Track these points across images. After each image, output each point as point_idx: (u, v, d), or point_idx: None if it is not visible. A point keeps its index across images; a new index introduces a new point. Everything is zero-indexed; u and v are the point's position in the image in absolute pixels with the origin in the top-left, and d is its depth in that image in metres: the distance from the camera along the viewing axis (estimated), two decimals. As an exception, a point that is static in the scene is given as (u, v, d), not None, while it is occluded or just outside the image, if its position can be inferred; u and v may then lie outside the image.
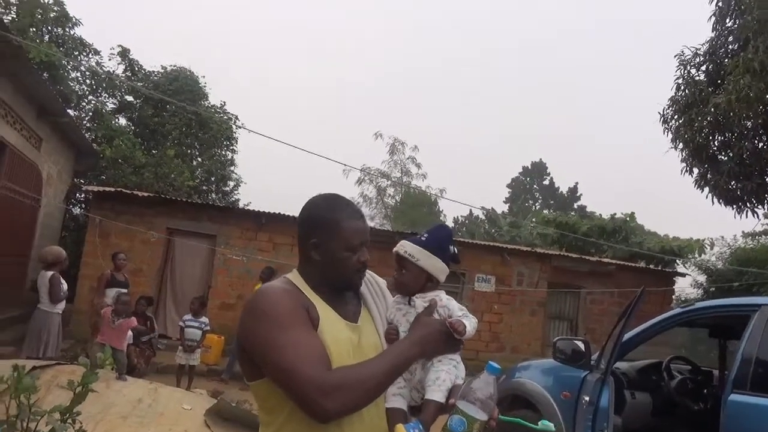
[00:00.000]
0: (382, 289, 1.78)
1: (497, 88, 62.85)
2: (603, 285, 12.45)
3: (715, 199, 9.58)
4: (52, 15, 15.84)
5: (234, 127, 18.36)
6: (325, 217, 1.58)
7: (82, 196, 14.31)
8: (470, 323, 1.56)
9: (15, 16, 14.96)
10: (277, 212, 11.38)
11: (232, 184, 19.01)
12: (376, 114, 52.07)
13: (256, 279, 9.83)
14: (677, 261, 14.25)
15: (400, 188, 28.42)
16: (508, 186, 44.43)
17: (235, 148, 19.07)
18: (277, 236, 11.42)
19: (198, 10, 67.15)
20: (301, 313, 1.46)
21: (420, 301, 1.62)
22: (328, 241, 1.57)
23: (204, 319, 8.21)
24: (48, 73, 13.85)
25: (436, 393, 1.49)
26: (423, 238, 1.63)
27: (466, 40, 66.32)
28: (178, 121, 17.06)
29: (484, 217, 34.73)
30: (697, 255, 14.58)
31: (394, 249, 1.65)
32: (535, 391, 4.39)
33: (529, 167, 44.81)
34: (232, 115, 18.93)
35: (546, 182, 44.15)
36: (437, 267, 1.62)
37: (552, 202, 42.30)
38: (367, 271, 1.76)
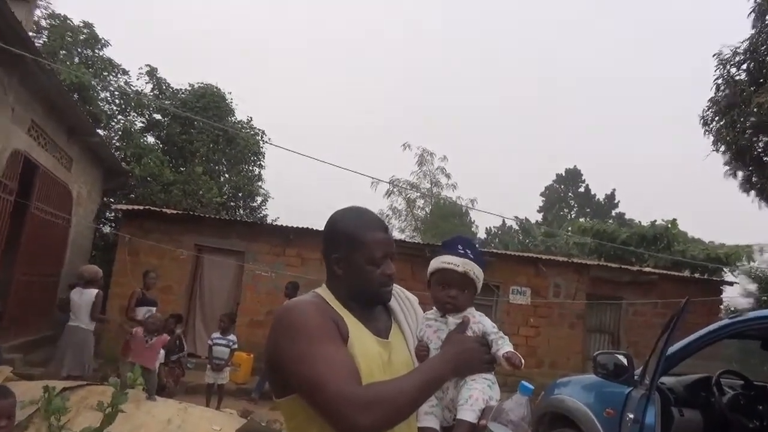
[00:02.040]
0: (413, 304, 1.79)
1: (529, 95, 62.58)
2: (645, 296, 12.26)
3: (762, 203, 9.25)
4: (81, 37, 16.41)
5: (261, 142, 18.65)
6: (346, 231, 1.59)
7: (112, 214, 14.63)
8: (512, 345, 1.58)
9: (46, 39, 15.53)
10: (305, 227, 11.46)
11: (259, 199, 19.27)
12: (406, 126, 52.17)
13: (282, 293, 9.95)
14: (724, 269, 13.89)
15: (430, 199, 28.27)
16: (542, 195, 43.99)
17: (262, 163, 19.35)
18: (305, 251, 11.51)
19: (225, 24, 68.53)
20: (330, 326, 1.47)
21: (453, 318, 1.63)
22: (350, 255, 1.58)
23: (232, 336, 8.24)
24: (78, 94, 14.29)
25: (468, 413, 1.48)
26: (470, 255, 1.66)
27: (496, 49, 66.31)
28: (206, 138, 17.38)
29: (517, 227, 34.38)
30: (745, 262, 14.19)
31: (460, 269, 1.64)
32: (576, 409, 4.30)
33: (564, 175, 44.28)
34: (259, 130, 19.23)
35: (581, 189, 43.53)
36: (481, 284, 1.70)
37: (588, 210, 41.66)
38: (398, 286, 1.77)
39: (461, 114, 57.09)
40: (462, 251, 1.67)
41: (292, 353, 1.41)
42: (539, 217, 40.92)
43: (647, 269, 13.19)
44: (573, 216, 40.81)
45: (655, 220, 17.34)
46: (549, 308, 12.29)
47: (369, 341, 1.56)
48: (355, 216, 1.63)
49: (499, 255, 12.39)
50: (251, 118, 19.58)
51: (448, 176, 28.18)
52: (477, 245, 1.77)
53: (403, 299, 1.78)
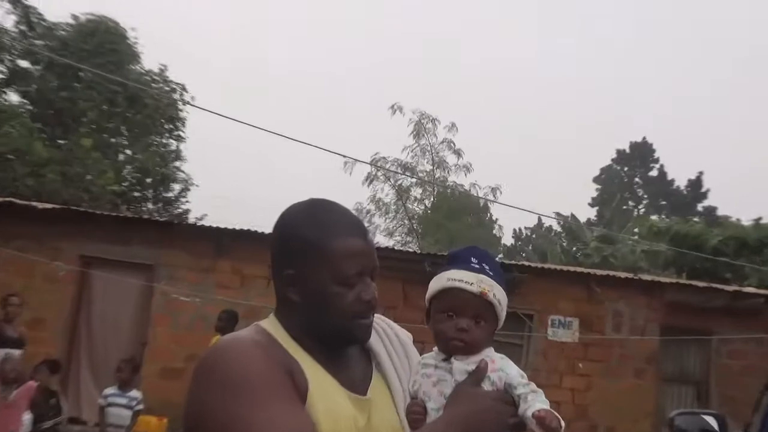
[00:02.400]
0: (405, 345, 1.85)
1: (576, 42, 63.17)
2: (746, 328, 12.28)
3: None
4: None
5: (180, 103, 18.57)
6: (303, 236, 1.64)
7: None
8: (547, 404, 1.60)
9: None
10: (245, 229, 11.63)
11: (177, 187, 19.24)
12: (400, 80, 52.42)
13: (212, 328, 9.88)
14: None
15: (431, 188, 28.30)
16: (596, 181, 44.49)
17: (181, 133, 19.31)
18: (246, 265, 11.56)
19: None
20: (280, 378, 1.51)
21: (461, 363, 1.66)
22: (310, 272, 1.63)
23: (135, 393, 8.18)
24: None
25: None
26: (488, 270, 1.72)
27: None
28: (97, 96, 17.29)
29: (559, 229, 34.49)
30: None
31: (474, 288, 1.67)
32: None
33: (627, 151, 44.67)
34: (177, 85, 19.22)
35: (653, 173, 43.96)
36: (505, 312, 1.74)
37: (664, 202, 42.08)
38: (381, 317, 1.84)
39: (478, 67, 57.39)
40: (477, 265, 1.71)
41: (222, 419, 1.43)
42: (592, 213, 41.51)
43: (749, 290, 13.29)
44: (641, 212, 41.15)
45: (760, 219, 17.49)
46: (606, 348, 12.41)
47: (338, 399, 1.60)
48: (318, 214, 1.68)
49: (532, 270, 12.41)
50: (165, 67, 19.49)
51: (458, 153, 28.19)
52: (498, 259, 1.80)
53: (389, 337, 1.83)
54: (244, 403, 1.44)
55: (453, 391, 1.62)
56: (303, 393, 1.53)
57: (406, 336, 1.87)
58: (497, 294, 1.68)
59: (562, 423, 1.54)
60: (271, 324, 1.67)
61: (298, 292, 1.64)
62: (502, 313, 1.71)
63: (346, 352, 1.70)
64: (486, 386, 1.61)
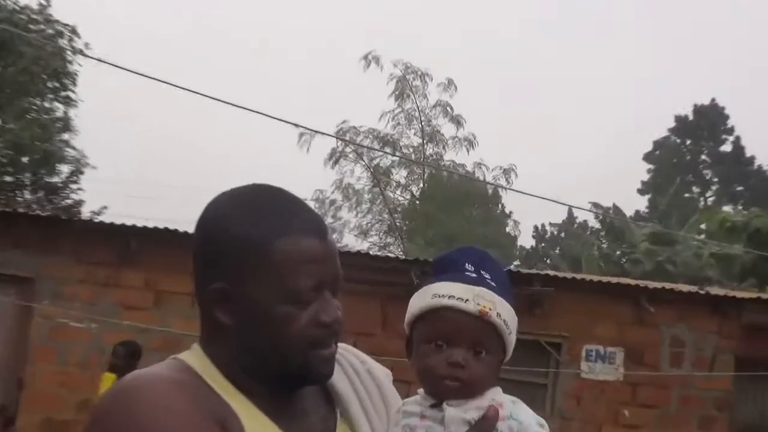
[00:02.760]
0: (380, 386, 1.89)
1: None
2: None
3: None
4: None
5: (69, 52, 18.43)
6: (238, 235, 1.65)
7: None
8: None
9: None
10: (162, 228, 11.84)
11: (65, 170, 19.16)
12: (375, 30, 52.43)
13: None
14: None
15: (421, 169, 28.36)
16: (648, 158, 44.85)
17: (71, 95, 19.14)
18: (163, 278, 11.70)
19: None
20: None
21: (456, 411, 1.68)
22: (248, 285, 1.64)
23: (8, 455, 8.17)
24: None
25: None
26: (489, 281, 1.75)
27: None
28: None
29: (598, 226, 35.01)
30: None
31: (471, 306, 1.69)
32: None
33: (690, 118, 44.76)
34: (65, 27, 19.29)
35: (726, 148, 44.03)
36: (514, 338, 1.77)
37: (740, 188, 42.17)
38: (349, 348, 1.91)
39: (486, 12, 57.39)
40: (473, 274, 1.75)
41: None
42: (642, 203, 41.99)
43: None
44: (709, 201, 41.28)
45: None
46: (661, 389, 12.48)
47: None
48: (258, 205, 1.69)
49: (560, 282, 12.52)
50: (47, 2, 19.44)
51: (456, 122, 28.67)
52: (500, 264, 1.85)
53: (360, 374, 1.86)
54: None
55: None
56: None
57: (384, 374, 1.90)
58: (503, 313, 1.70)
59: None
60: (195, 357, 1.68)
61: (231, 314, 1.65)
62: (511, 339, 1.73)
63: (299, 395, 1.73)
64: None
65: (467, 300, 1.68)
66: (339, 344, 1.77)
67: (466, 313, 1.68)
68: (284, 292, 1.62)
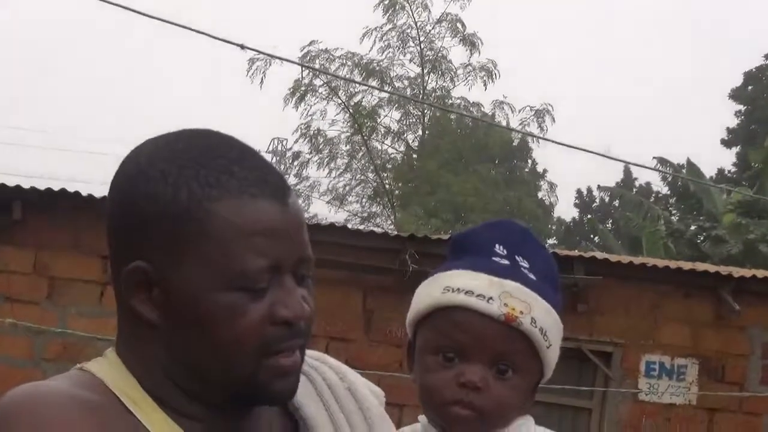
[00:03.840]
0: (364, 408, 1.67)
1: None
2: None
3: None
4: None
5: None
6: (166, 198, 1.43)
7: None
8: None
9: None
10: (59, 189, 10.79)
11: None
12: None
13: None
14: None
15: (420, 110, 26.52)
16: (736, 97, 40.87)
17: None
18: (60, 259, 10.68)
19: None
20: None
21: None
22: (178, 266, 1.43)
23: None
24: None
25: None
26: (525, 271, 1.70)
27: None
28: None
29: (665, 190, 33.58)
30: None
31: (495, 308, 1.64)
32: None
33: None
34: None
35: None
36: (557, 354, 1.76)
37: None
38: (323, 357, 1.72)
39: None
40: (504, 260, 1.70)
41: None
42: (727, 159, 38.52)
43: None
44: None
45: None
46: (750, 415, 11.14)
47: None
48: (192, 157, 1.44)
49: (612, 268, 11.22)
50: None
51: (470, 43, 27.50)
52: (546, 248, 1.87)
53: (337, 394, 1.65)
54: None
55: None
56: None
57: (372, 394, 1.67)
58: (540, 319, 1.66)
59: None
60: (108, 367, 1.48)
61: (154, 305, 1.43)
62: (551, 355, 1.70)
63: (250, 418, 1.54)
64: None
65: (491, 298, 1.63)
66: (311, 352, 1.63)
67: (487, 317, 1.62)
68: (228, 274, 1.40)
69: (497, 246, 1.67)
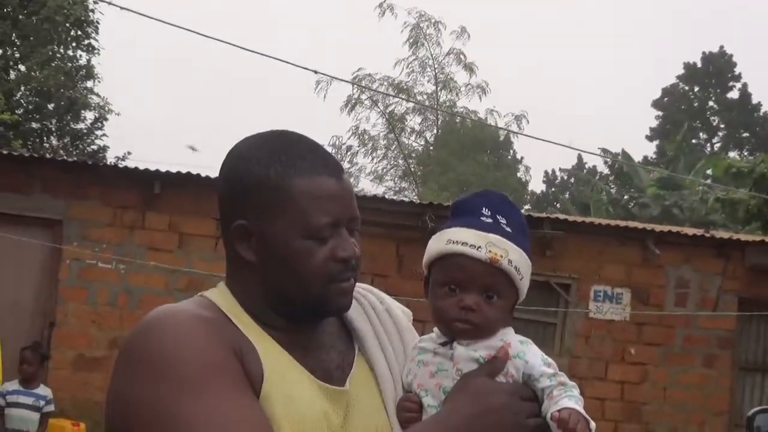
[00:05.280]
0: (398, 324, 1.86)
1: None
2: None
3: None
4: None
5: (91, 0, 18.33)
6: (259, 173, 1.67)
7: None
8: (580, 400, 1.62)
9: None
10: (185, 172, 11.83)
11: (90, 116, 19.28)
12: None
13: (142, 303, 10.30)
14: None
15: (435, 116, 28.36)
16: (657, 105, 44.47)
17: (94, 42, 19.03)
18: (186, 220, 11.81)
19: None
20: (226, 361, 1.54)
21: (465, 350, 1.70)
22: (268, 222, 1.66)
23: (44, 390, 8.29)
24: None
25: None
26: (504, 226, 1.74)
27: None
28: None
29: (607, 171, 35.17)
30: None
31: (483, 253, 1.69)
32: None
33: (699, 65, 44.48)
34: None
35: (733, 95, 43.77)
36: (528, 283, 1.76)
37: (746, 134, 41.98)
38: (370, 288, 1.90)
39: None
40: (488, 219, 1.74)
41: (146, 413, 1.48)
42: (650, 149, 41.96)
43: None
44: (716, 147, 41.14)
45: None
46: (667, 328, 12.69)
47: (304, 389, 1.63)
48: (278, 146, 1.71)
49: (570, 225, 12.62)
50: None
51: (469, 69, 28.36)
52: (518, 209, 1.85)
53: (378, 313, 1.85)
54: (173, 392, 1.47)
55: (457, 383, 1.66)
56: (256, 381, 1.56)
57: (403, 313, 1.88)
58: (515, 260, 1.69)
59: (593, 425, 1.57)
60: (219, 294, 1.72)
61: (252, 250, 1.67)
62: (523, 284, 1.73)
63: (320, 331, 1.74)
64: (501, 379, 1.64)
65: (479, 247, 1.67)
66: (360, 284, 1.80)
67: (477, 260, 1.67)
68: (303, 227, 1.62)
69: (483, 209, 1.73)
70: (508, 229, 1.71)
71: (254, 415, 1.49)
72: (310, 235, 1.63)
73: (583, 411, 1.57)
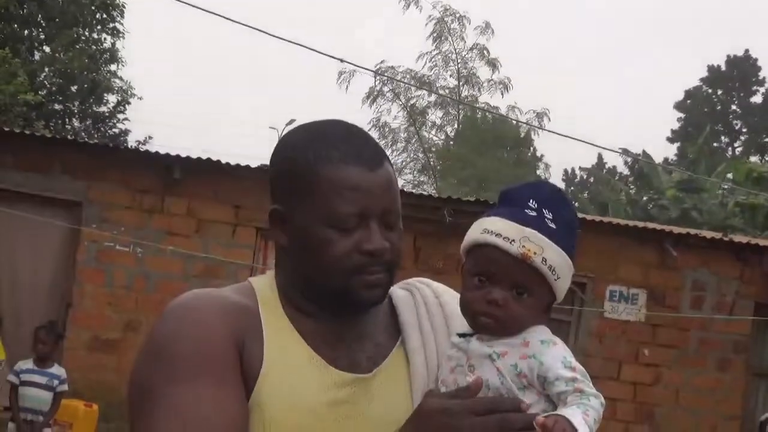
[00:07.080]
0: (448, 318, 1.82)
1: None
2: None
3: None
4: None
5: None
6: (293, 161, 1.70)
7: None
8: (592, 411, 1.52)
9: None
10: (206, 158, 11.83)
11: (112, 100, 19.40)
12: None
13: (159, 287, 10.33)
14: None
15: (456, 110, 28.45)
16: (679, 107, 44.30)
17: (119, 26, 19.13)
18: (204, 206, 11.82)
19: None
20: (222, 352, 1.58)
21: (480, 346, 1.66)
22: (298, 207, 1.69)
23: (58, 370, 8.31)
24: None
25: None
26: (549, 222, 1.66)
27: None
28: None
29: (626, 171, 34.96)
30: None
31: (514, 248, 1.62)
32: None
33: (722, 68, 44.27)
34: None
35: (756, 99, 43.56)
36: (567, 284, 1.69)
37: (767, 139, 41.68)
38: (427, 282, 1.90)
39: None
40: (533, 212, 1.67)
41: (137, 391, 1.57)
42: (671, 151, 41.73)
43: None
44: (737, 151, 40.92)
45: None
46: (681, 330, 12.65)
47: (310, 379, 1.64)
48: (316, 134, 1.72)
49: (587, 225, 12.48)
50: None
51: (492, 65, 28.46)
52: (571, 204, 1.78)
53: (429, 307, 1.83)
54: (162, 378, 1.54)
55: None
56: (252, 373, 1.59)
57: (453, 302, 1.80)
58: (550, 258, 1.62)
59: (586, 425, 1.47)
60: (263, 279, 1.77)
61: (286, 236, 1.70)
62: (560, 285, 1.66)
63: (362, 320, 1.74)
64: (510, 376, 1.58)
65: (513, 240, 1.61)
66: (420, 279, 1.85)
67: (508, 254, 1.61)
68: (326, 216, 1.63)
69: (530, 201, 1.66)
70: (552, 225, 1.63)
71: (231, 408, 1.53)
72: (332, 224, 1.63)
73: (581, 423, 1.48)
